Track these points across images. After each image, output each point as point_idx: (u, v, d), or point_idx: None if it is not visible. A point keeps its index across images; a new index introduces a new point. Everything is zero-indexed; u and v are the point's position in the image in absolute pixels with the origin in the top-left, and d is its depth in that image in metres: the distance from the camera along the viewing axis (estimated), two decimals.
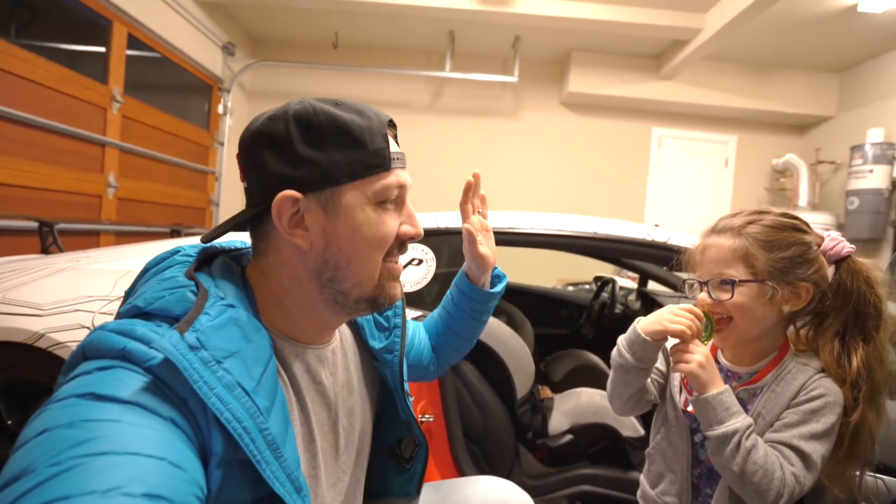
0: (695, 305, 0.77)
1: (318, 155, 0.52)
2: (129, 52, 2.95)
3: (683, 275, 0.91)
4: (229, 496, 0.45)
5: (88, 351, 0.45)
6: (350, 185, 0.53)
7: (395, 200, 0.57)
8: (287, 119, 0.52)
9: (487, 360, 1.40)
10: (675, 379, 0.87)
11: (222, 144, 4.10)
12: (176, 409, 0.42)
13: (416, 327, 0.88)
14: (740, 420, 0.70)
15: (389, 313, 0.71)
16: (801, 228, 0.77)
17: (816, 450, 0.69)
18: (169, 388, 0.43)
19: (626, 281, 3.14)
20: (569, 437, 1.43)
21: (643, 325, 0.78)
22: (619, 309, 2.26)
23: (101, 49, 2.80)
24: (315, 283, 0.55)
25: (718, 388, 0.71)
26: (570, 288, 3.86)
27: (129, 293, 0.55)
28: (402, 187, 0.57)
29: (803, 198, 4.27)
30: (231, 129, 4.16)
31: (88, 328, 1.06)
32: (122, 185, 2.93)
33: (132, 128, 3.02)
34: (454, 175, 4.60)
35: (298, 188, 0.52)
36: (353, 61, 4.45)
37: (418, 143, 4.53)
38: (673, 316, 0.75)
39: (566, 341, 2.38)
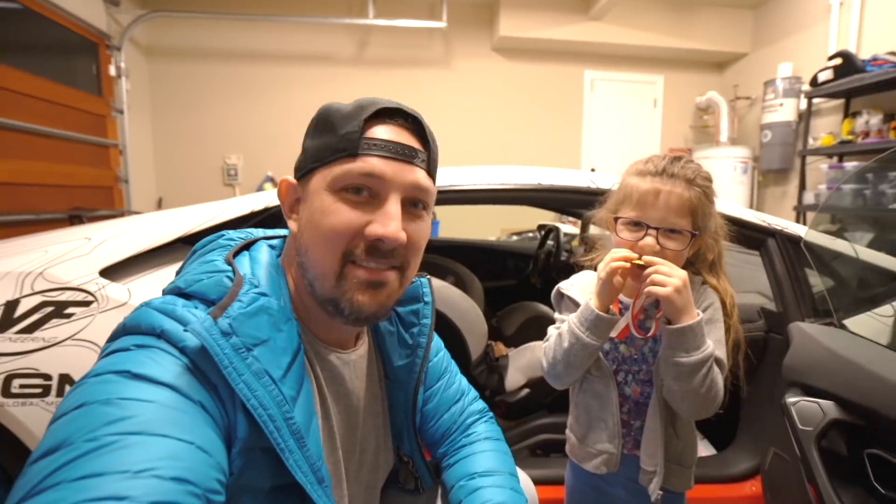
0: (636, 247, 0.76)
1: (308, 143, 0.56)
2: None
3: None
4: (249, 481, 0.46)
5: (129, 327, 0.46)
6: (319, 170, 0.53)
7: (363, 192, 0.51)
8: None
9: (439, 326, 1.35)
10: None
11: (122, 112, 3.60)
12: (207, 393, 0.43)
13: (455, 379, 0.79)
14: (710, 344, 0.73)
15: (415, 330, 0.67)
16: None
17: (724, 352, 0.79)
18: (201, 372, 0.44)
19: (569, 227, 3.20)
20: (526, 391, 1.45)
21: (598, 302, 0.76)
22: (564, 256, 2.29)
23: None
24: (299, 271, 0.56)
25: (695, 316, 0.72)
26: (515, 237, 3.90)
27: (178, 272, 0.57)
28: (371, 176, 0.51)
29: (724, 133, 4.49)
30: (129, 94, 3.64)
31: None
32: None
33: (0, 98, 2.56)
34: None
35: (295, 175, 0.56)
36: (265, 10, 4.00)
37: (344, 99, 4.23)
38: (612, 264, 0.74)
39: (515, 292, 2.40)
